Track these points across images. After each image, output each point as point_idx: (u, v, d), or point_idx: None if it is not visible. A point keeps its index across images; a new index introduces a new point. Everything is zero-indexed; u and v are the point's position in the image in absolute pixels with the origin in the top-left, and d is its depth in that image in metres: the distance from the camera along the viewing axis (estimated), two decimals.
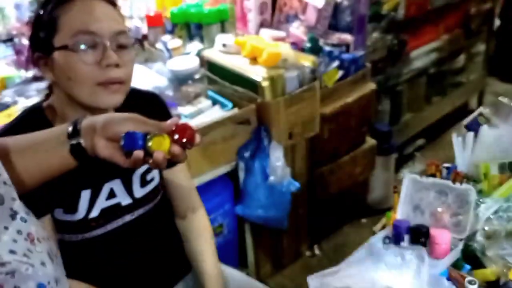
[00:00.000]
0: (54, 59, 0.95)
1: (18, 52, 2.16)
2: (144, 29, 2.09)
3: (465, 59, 3.12)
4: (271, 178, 1.80)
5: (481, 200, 1.06)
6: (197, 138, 0.73)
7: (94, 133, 0.73)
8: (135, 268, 1.14)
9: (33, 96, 1.86)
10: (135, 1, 2.19)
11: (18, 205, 0.64)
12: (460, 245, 1.04)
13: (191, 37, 2.06)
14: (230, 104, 1.81)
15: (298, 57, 1.87)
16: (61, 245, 1.04)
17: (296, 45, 2.06)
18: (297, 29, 2.13)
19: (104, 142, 0.73)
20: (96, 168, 0.84)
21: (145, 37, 2.08)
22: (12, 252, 0.58)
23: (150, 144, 0.71)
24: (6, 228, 0.60)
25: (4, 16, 2.35)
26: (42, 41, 0.96)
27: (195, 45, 2.01)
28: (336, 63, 2.03)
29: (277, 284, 2.14)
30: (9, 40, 2.32)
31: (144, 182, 1.13)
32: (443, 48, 2.89)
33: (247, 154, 1.81)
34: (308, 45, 2.03)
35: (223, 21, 2.05)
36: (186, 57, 1.85)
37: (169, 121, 0.74)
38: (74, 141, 0.73)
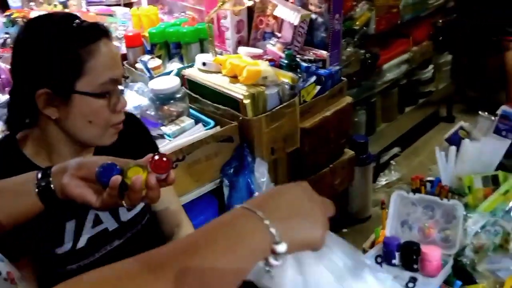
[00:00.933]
0: (72, 101, 0.93)
1: None
2: (123, 49, 2.08)
3: (434, 69, 3.23)
4: (256, 194, 1.82)
5: (468, 214, 1.10)
6: (172, 174, 0.75)
7: (64, 174, 0.73)
8: None
9: None
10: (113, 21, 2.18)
11: None
12: (451, 261, 1.07)
13: (170, 57, 2.07)
14: (212, 122, 1.82)
15: (277, 74, 1.90)
16: (45, 279, 1.01)
17: (274, 62, 2.09)
18: (274, 46, 2.16)
19: (76, 181, 0.73)
20: None
21: (124, 57, 2.07)
22: None
23: (127, 173, 0.69)
24: None
25: None
26: (58, 81, 0.92)
27: (174, 65, 2.01)
28: (313, 79, 2.07)
29: None
30: None
31: None
32: (413, 60, 2.98)
33: (231, 171, 1.83)
34: (285, 61, 2.07)
35: (202, 40, 2.06)
36: (167, 77, 1.85)
37: (145, 158, 0.75)
38: (43, 183, 0.73)
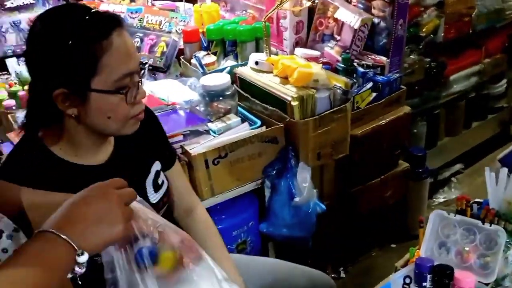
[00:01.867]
0: (89, 99, 0.93)
1: None
2: (181, 44, 2.12)
3: (507, 84, 3.01)
4: (297, 198, 1.78)
5: (511, 242, 1.01)
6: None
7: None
8: None
9: None
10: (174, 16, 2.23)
11: (5, 223, 0.67)
12: None
13: (226, 54, 2.08)
14: (258, 122, 1.81)
15: (330, 77, 1.84)
16: None
17: (330, 65, 2.04)
18: (331, 49, 2.11)
19: None
20: None
21: (181, 51, 2.11)
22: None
23: (159, 257, 0.79)
24: None
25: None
26: (74, 80, 0.91)
27: (229, 62, 2.02)
28: (370, 85, 2.00)
29: None
30: None
31: (157, 187, 1.15)
32: (484, 73, 2.80)
33: (273, 173, 1.80)
34: (341, 65, 2.01)
35: (258, 39, 2.05)
36: (218, 74, 1.86)
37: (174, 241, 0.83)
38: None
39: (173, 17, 2.21)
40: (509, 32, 2.87)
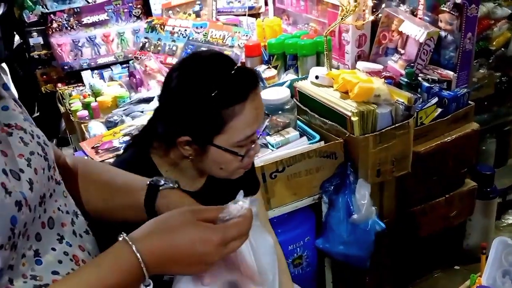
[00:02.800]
0: (208, 151, 0.98)
1: (131, 74, 2.36)
2: (243, 58, 2.16)
3: None
4: (355, 216, 1.75)
5: None
6: None
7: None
8: None
9: (138, 116, 2.00)
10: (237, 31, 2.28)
11: (80, 223, 0.70)
12: None
13: (286, 68, 2.09)
14: (317, 137, 1.80)
15: (392, 92, 1.80)
16: None
17: (393, 80, 2.00)
18: (395, 63, 2.07)
19: None
20: None
21: (243, 65, 2.15)
22: (55, 273, 0.63)
23: None
24: (53, 249, 0.65)
25: (123, 40, 2.58)
26: (199, 133, 0.96)
27: (289, 76, 2.03)
28: (435, 100, 1.94)
29: None
30: (125, 62, 2.55)
31: None
32: None
33: (331, 189, 1.78)
34: (405, 80, 1.96)
35: (319, 53, 2.05)
36: (278, 88, 1.88)
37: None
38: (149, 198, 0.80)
39: (236, 32, 2.26)
40: None
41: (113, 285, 0.60)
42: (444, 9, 1.94)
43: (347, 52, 2.14)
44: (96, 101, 2.14)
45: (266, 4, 2.58)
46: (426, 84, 1.96)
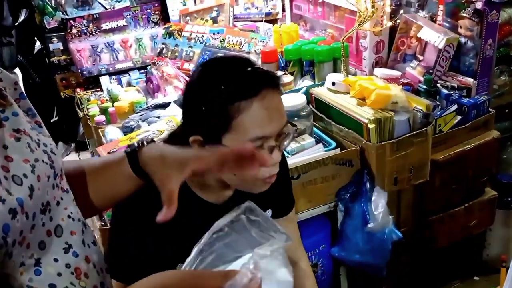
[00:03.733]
0: None
1: (148, 80, 2.37)
2: (259, 64, 2.16)
3: None
4: (371, 224, 1.73)
5: None
6: None
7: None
8: None
9: (154, 122, 2.01)
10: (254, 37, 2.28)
11: (88, 233, 0.70)
12: None
13: (303, 74, 2.08)
14: (333, 144, 1.78)
15: (410, 99, 1.78)
16: None
17: (411, 86, 1.97)
18: (413, 69, 2.04)
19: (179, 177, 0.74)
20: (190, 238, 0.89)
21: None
22: (51, 286, 0.62)
23: None
24: (56, 260, 0.64)
25: (141, 46, 2.60)
26: (208, 132, 0.93)
27: (306, 82, 2.02)
28: (454, 107, 1.90)
29: None
30: (143, 68, 2.57)
31: None
32: None
33: (346, 196, 1.76)
34: (423, 86, 1.94)
35: (336, 59, 2.04)
36: (294, 94, 1.87)
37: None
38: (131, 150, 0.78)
39: (252, 38, 2.26)
40: None
41: None
42: (464, 15, 1.91)
43: (365, 58, 2.12)
44: (113, 106, 2.15)
45: (283, 10, 2.57)
46: (445, 91, 1.93)
